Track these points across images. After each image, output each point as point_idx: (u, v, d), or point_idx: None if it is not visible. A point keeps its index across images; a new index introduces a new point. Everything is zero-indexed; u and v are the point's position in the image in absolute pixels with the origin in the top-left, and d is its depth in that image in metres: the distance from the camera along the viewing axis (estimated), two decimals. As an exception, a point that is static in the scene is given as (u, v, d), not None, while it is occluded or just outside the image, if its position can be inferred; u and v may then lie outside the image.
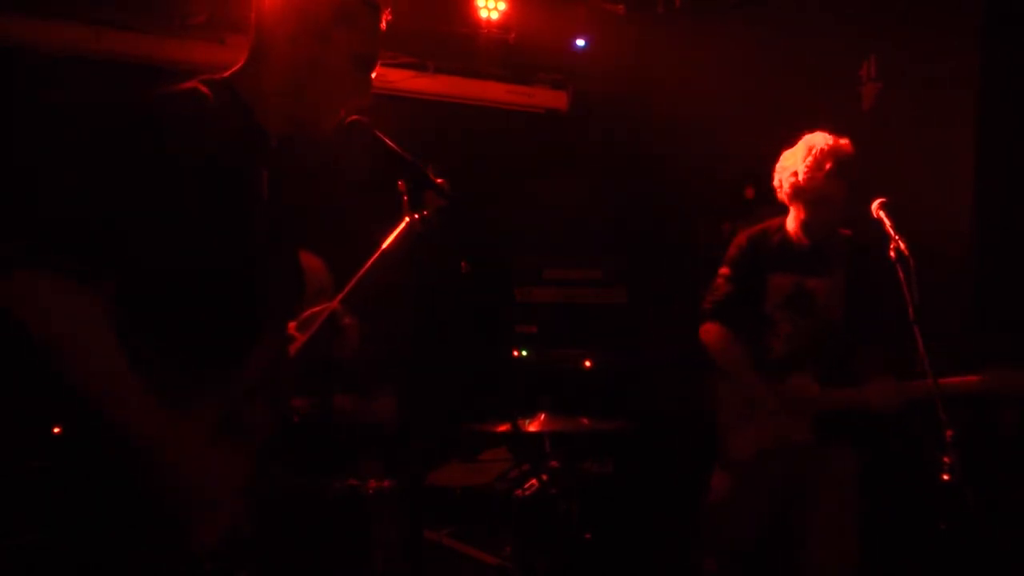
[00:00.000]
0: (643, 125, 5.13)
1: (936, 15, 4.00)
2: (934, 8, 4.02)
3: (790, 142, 3.32)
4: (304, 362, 2.01)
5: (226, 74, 1.83)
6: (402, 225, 2.18)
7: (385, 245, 2.19)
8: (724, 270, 3.38)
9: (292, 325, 2.06)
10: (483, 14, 4.79)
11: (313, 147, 1.93)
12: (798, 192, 3.20)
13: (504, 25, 4.87)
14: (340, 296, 2.12)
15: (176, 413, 1.64)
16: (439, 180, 2.05)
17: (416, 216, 2.01)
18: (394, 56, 4.61)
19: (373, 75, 1.93)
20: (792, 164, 3.22)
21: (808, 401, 3.17)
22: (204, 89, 1.74)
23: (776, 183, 3.29)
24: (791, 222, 3.31)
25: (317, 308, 2.13)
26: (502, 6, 4.79)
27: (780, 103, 4.41)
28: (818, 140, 3.18)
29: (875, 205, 2.76)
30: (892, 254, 2.58)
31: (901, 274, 2.54)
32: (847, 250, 3.26)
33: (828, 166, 3.11)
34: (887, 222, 2.68)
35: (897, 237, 2.61)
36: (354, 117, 1.94)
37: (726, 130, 4.58)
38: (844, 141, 3.18)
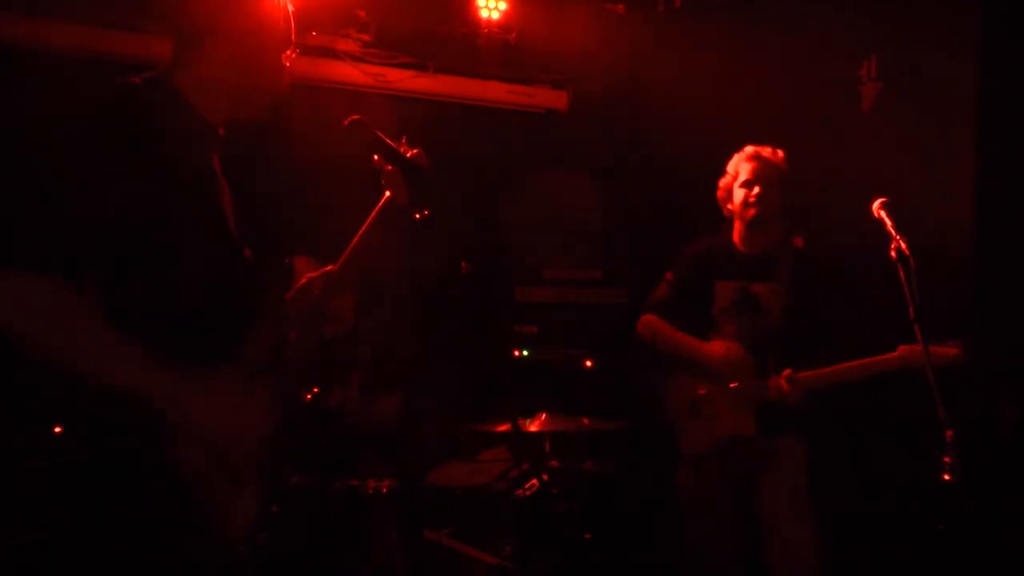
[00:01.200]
0: (643, 125, 5.12)
1: (936, 15, 4.00)
2: (934, 8, 4.02)
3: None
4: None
5: (159, 69, 1.89)
6: (383, 200, 2.24)
7: (369, 220, 2.23)
8: (668, 275, 3.59)
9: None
10: (483, 14, 4.79)
11: (261, 131, 1.99)
12: (723, 203, 3.49)
13: (505, 25, 4.86)
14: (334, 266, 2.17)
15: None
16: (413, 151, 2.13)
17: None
18: (394, 56, 4.61)
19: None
20: (744, 158, 3.45)
21: (744, 392, 3.31)
22: (138, 82, 1.81)
23: (731, 175, 3.50)
24: (734, 233, 3.52)
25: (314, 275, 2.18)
26: (503, 6, 4.79)
27: (780, 103, 4.41)
28: (742, 151, 3.46)
29: (876, 205, 2.77)
30: (893, 254, 2.58)
31: (902, 274, 2.54)
32: (793, 259, 3.42)
33: (739, 173, 3.41)
34: (888, 222, 2.69)
35: (898, 237, 2.61)
36: (355, 116, 1.96)
37: (726, 130, 4.57)
38: (766, 149, 3.42)
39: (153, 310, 1.70)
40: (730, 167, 3.48)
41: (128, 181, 1.66)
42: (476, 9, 4.78)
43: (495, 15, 4.79)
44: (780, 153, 3.43)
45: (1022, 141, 3.82)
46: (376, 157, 2.25)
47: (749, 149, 3.44)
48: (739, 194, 3.41)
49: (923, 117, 4.02)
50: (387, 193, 2.26)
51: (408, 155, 2.33)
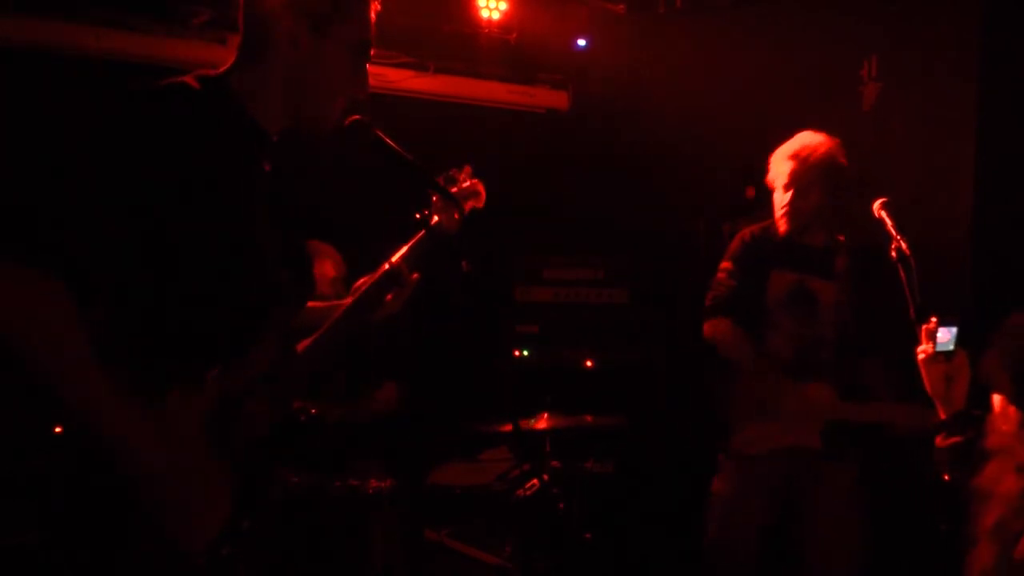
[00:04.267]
0: (644, 125, 5.12)
1: (936, 15, 4.01)
2: (934, 8, 4.02)
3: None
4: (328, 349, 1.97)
5: (220, 70, 1.82)
6: (419, 236, 2.15)
7: (407, 248, 2.14)
8: (726, 264, 3.40)
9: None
10: (484, 14, 4.78)
11: (316, 143, 1.93)
12: (791, 181, 3.25)
13: (505, 25, 4.86)
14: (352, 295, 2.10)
15: (151, 409, 1.62)
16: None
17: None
18: (394, 56, 4.60)
19: (368, 65, 1.94)
20: (784, 157, 3.28)
21: (823, 410, 3.18)
22: (194, 84, 1.72)
23: (773, 175, 3.34)
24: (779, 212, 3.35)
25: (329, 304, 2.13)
26: (503, 6, 4.79)
27: (780, 103, 4.41)
28: (811, 136, 3.28)
29: (876, 205, 2.76)
30: (893, 254, 2.58)
31: (903, 274, 2.54)
32: (848, 256, 3.31)
33: (820, 160, 3.21)
34: (888, 222, 2.68)
35: (899, 237, 2.61)
36: (355, 117, 1.93)
37: (726, 130, 4.58)
38: (805, 146, 3.26)
39: (157, 306, 1.68)
40: (772, 162, 3.33)
41: (132, 173, 1.59)
42: (476, 9, 4.78)
43: (495, 15, 4.79)
44: (822, 148, 3.24)
45: (1022, 141, 3.82)
46: (441, 179, 2.13)
47: (791, 147, 3.27)
48: (776, 199, 3.28)
49: (923, 117, 4.02)
50: (434, 219, 2.09)
51: (467, 184, 2.23)
